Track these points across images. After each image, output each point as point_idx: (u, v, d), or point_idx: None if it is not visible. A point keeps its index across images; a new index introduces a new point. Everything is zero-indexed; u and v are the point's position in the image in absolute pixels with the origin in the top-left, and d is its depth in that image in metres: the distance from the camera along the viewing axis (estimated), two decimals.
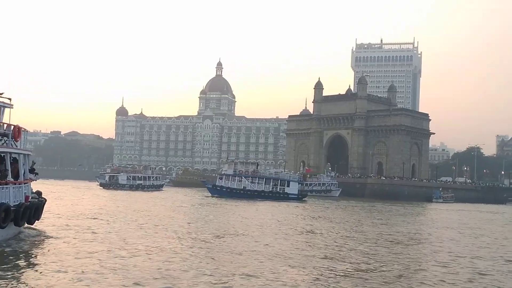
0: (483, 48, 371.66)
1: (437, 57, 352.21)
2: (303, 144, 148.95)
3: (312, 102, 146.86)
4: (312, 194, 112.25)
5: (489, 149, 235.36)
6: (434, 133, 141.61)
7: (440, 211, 72.90)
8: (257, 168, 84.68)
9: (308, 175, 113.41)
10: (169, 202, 63.10)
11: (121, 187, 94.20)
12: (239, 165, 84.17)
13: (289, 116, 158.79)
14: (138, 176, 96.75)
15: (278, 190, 79.55)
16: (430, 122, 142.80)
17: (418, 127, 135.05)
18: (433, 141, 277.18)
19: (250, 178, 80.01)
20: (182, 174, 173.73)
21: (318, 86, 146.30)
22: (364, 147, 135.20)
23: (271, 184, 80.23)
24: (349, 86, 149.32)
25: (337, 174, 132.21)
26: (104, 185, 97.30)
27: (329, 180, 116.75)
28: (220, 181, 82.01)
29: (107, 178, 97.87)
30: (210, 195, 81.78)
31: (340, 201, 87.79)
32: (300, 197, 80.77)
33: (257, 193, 78.04)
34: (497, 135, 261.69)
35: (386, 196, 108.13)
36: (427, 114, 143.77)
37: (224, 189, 79.75)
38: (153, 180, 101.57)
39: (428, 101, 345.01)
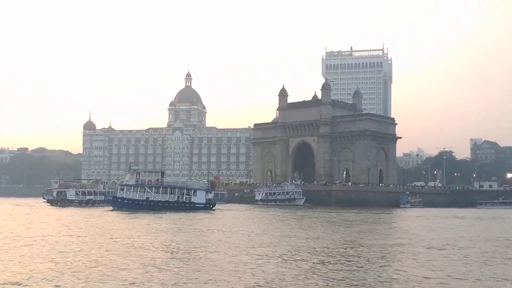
0: (455, 52, 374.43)
1: (408, 63, 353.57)
2: (270, 152, 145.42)
3: (277, 109, 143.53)
4: (276, 203, 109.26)
5: (464, 153, 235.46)
6: (400, 137, 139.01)
7: (400, 217, 69.69)
8: (162, 177, 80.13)
9: (217, 183, 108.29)
10: (65, 219, 56.31)
11: (70, 203, 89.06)
12: (142, 174, 79.27)
13: (254, 124, 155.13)
14: (87, 191, 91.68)
15: (184, 200, 74.68)
16: (396, 126, 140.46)
17: (384, 131, 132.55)
18: (410, 147, 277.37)
19: (153, 188, 74.86)
20: None
21: (283, 93, 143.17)
22: (331, 154, 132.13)
23: (177, 193, 75.39)
24: (315, 92, 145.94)
25: (302, 182, 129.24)
26: (51, 202, 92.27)
27: (293, 188, 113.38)
28: (122, 192, 75.31)
29: (54, 194, 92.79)
30: (112, 208, 75.22)
31: (286, 210, 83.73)
32: (208, 207, 75.88)
33: (161, 204, 72.73)
34: (471, 138, 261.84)
35: (352, 203, 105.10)
36: (393, 119, 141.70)
37: (126, 201, 73.70)
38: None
39: (400, 107, 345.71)
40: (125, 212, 65.72)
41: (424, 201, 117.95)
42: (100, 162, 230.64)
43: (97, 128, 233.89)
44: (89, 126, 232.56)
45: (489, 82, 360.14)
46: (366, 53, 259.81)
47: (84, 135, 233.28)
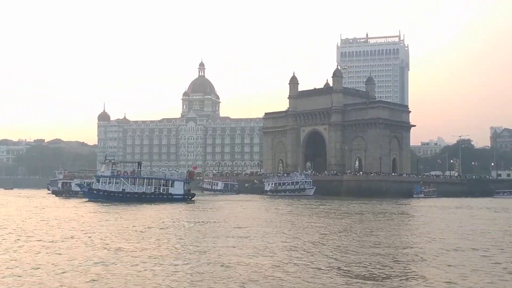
0: (474, 38, 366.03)
1: (426, 49, 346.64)
2: (280, 142, 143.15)
3: (288, 97, 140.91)
4: (286, 194, 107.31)
5: (484, 142, 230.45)
6: (414, 125, 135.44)
7: (410, 208, 67.07)
8: (139, 168, 77.93)
9: (195, 173, 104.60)
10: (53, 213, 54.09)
11: (74, 194, 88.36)
12: (119, 165, 77.27)
13: (265, 113, 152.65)
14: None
15: (161, 191, 72.80)
16: (413, 114, 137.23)
17: (397, 119, 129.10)
18: (430, 136, 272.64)
19: (130, 180, 73.02)
20: None
21: (293, 81, 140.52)
22: (342, 142, 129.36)
23: (154, 185, 73.38)
24: (327, 80, 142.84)
25: (313, 172, 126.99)
26: (56, 193, 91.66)
27: (303, 178, 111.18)
28: (97, 184, 73.36)
29: (59, 185, 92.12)
30: (87, 199, 74.11)
31: (288, 201, 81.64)
32: (186, 198, 73.74)
33: (137, 196, 70.89)
34: (491, 126, 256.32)
35: (363, 193, 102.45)
36: (407, 106, 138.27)
37: (101, 193, 71.73)
38: None
39: (419, 95, 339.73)
40: (100, 204, 64.19)
41: (439, 191, 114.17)
42: (115, 153, 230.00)
43: (111, 119, 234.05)
44: (103, 117, 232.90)
45: (510, 68, 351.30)
46: (382, 40, 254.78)
47: (98, 126, 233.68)
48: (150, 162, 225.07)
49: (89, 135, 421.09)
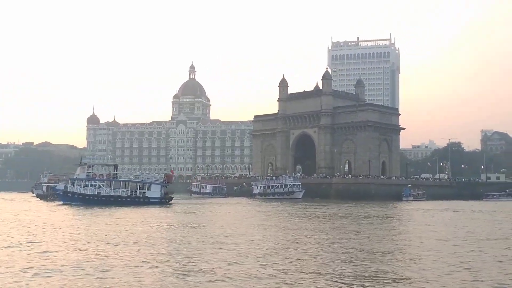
0: (465, 42, 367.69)
1: (417, 53, 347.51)
2: (270, 145, 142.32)
3: (277, 100, 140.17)
4: (274, 197, 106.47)
5: (475, 145, 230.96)
6: (404, 128, 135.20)
7: (395, 211, 66.29)
8: (115, 170, 76.34)
9: (173, 176, 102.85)
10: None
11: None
12: (94, 168, 75.66)
13: (254, 116, 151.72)
14: None
15: (138, 194, 71.53)
16: (404, 117, 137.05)
17: (386, 122, 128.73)
18: (421, 139, 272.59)
19: (105, 183, 71.73)
20: None
21: (283, 84, 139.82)
22: (332, 145, 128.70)
23: (130, 188, 72.21)
24: (317, 83, 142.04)
25: (302, 175, 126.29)
26: (41, 196, 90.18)
27: (292, 181, 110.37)
28: (72, 186, 71.91)
29: (44, 188, 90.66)
30: (62, 202, 72.75)
31: (282, 203, 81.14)
32: (163, 201, 72.54)
33: (113, 199, 69.62)
34: (482, 129, 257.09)
35: (352, 196, 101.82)
36: (397, 109, 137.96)
37: (76, 196, 70.34)
38: None
39: (410, 99, 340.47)
40: (72, 208, 63.01)
41: (428, 194, 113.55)
42: (104, 156, 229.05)
43: (101, 122, 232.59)
44: (93, 120, 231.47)
45: (501, 72, 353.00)
46: (373, 43, 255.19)
47: (88, 129, 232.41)
48: (140, 165, 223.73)
49: (79, 138, 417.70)
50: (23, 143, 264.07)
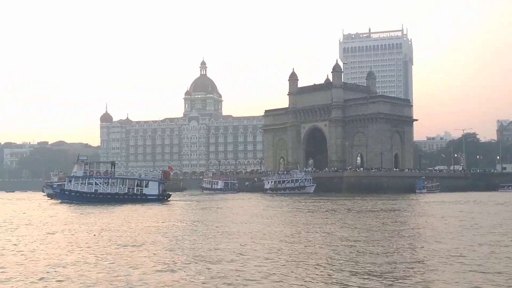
0: (478, 30, 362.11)
1: (430, 43, 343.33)
2: (281, 139, 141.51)
3: (288, 94, 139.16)
4: (286, 192, 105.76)
5: (491, 135, 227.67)
6: (416, 120, 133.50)
7: (405, 206, 64.91)
8: (113, 168, 75.98)
9: (171, 173, 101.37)
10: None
11: None
12: (91, 165, 74.44)
13: (265, 111, 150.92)
14: None
15: (135, 191, 70.87)
16: (417, 109, 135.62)
17: (398, 114, 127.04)
18: (437, 130, 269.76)
19: (102, 180, 71.02)
20: None
21: (293, 78, 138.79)
22: (343, 138, 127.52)
23: (127, 185, 71.24)
24: (327, 76, 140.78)
25: (314, 169, 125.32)
26: (51, 196, 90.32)
27: (303, 176, 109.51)
28: (69, 184, 71.39)
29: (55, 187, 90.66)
30: (60, 200, 72.73)
31: (293, 198, 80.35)
32: (161, 198, 71.67)
33: (110, 196, 68.63)
34: (498, 120, 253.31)
35: (364, 190, 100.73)
36: (408, 100, 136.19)
37: (73, 193, 69.89)
38: None
39: (424, 90, 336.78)
40: (68, 205, 62.78)
41: (442, 186, 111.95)
42: (118, 153, 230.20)
43: (114, 120, 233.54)
44: (106, 118, 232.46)
45: None
46: (384, 35, 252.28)
47: (101, 127, 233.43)
48: (153, 162, 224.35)
49: (92, 137, 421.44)
50: (38, 143, 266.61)
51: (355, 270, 18.22)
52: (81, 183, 70.16)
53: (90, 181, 70.04)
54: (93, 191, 69.60)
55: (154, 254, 22.53)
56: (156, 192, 71.51)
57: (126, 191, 70.10)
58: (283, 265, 19.34)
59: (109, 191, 69.79)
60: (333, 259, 20.53)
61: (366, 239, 26.77)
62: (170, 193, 76.44)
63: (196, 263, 20.15)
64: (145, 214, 47.14)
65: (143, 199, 69.61)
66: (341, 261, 20.06)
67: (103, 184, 70.32)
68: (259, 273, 17.88)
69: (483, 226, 33.58)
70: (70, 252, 23.39)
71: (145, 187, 71.24)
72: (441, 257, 20.85)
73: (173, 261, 20.62)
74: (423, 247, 23.92)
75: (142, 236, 29.06)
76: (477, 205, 58.63)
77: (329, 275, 17.57)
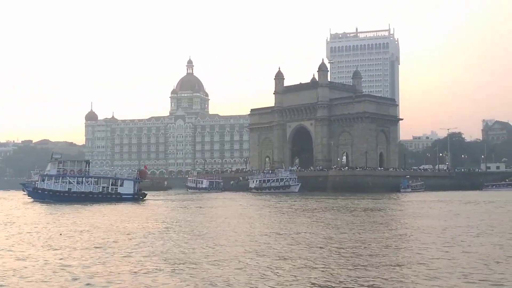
0: (465, 31, 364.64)
1: (416, 43, 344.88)
2: (267, 138, 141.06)
3: (274, 93, 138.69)
4: (270, 191, 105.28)
5: (476, 135, 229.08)
6: (402, 119, 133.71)
7: (384, 204, 64.62)
8: (87, 166, 74.43)
9: (148, 172, 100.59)
10: None
11: None
12: (65, 164, 72.61)
13: (251, 109, 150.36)
14: None
15: (110, 190, 70.02)
16: (402, 108, 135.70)
17: (384, 113, 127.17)
18: (424, 130, 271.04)
19: (76, 178, 69.85)
20: None
21: (279, 76, 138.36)
22: (328, 137, 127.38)
23: (101, 184, 70.51)
24: (313, 75, 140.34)
25: (299, 168, 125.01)
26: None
27: (288, 175, 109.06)
28: (42, 183, 70.41)
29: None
30: (32, 199, 71.88)
31: (275, 197, 79.74)
32: (136, 197, 70.81)
33: (84, 195, 67.77)
34: (483, 119, 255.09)
35: (349, 189, 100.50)
36: (394, 100, 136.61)
37: (46, 192, 68.77)
38: None
39: (410, 90, 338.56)
40: (40, 205, 61.62)
41: (427, 185, 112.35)
42: (103, 152, 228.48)
43: (99, 118, 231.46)
44: (91, 117, 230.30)
45: (502, 61, 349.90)
46: (371, 34, 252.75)
47: (86, 126, 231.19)
48: (139, 161, 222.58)
49: (77, 135, 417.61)
50: (22, 141, 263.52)
51: (317, 266, 17.62)
52: (55, 182, 68.88)
53: (64, 180, 68.80)
54: (67, 190, 68.36)
55: (113, 254, 21.81)
56: (131, 191, 70.54)
57: (100, 190, 69.13)
58: (256, 266, 18.70)
59: (83, 190, 68.69)
60: (307, 260, 19.93)
61: (333, 237, 26.22)
62: (146, 192, 75.34)
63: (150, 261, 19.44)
64: (116, 214, 46.26)
65: (117, 198, 68.55)
66: (312, 262, 19.47)
67: (77, 183, 69.14)
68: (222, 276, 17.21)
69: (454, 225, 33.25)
70: (32, 251, 22.57)
71: (120, 186, 70.25)
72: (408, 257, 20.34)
73: (131, 262, 19.91)
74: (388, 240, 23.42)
75: (107, 236, 28.28)
76: (457, 204, 58.52)
77: (309, 277, 16.95)
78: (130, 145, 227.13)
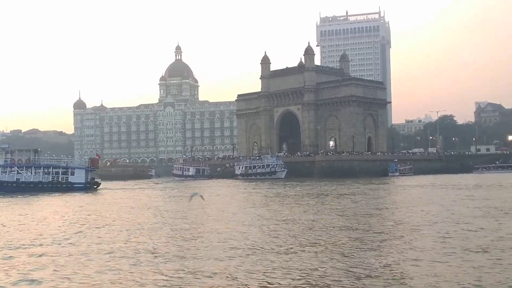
0: (456, 12, 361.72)
1: (407, 25, 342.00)
2: (254, 124, 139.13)
3: (260, 78, 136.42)
4: (256, 177, 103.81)
5: (469, 117, 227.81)
6: (390, 102, 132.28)
7: (366, 191, 63.09)
8: (36, 155, 71.72)
9: (99, 161, 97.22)
10: None
11: None
12: (14, 153, 70.03)
13: (238, 95, 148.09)
14: None
15: (60, 179, 68.37)
16: (392, 91, 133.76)
17: (371, 97, 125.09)
18: (417, 113, 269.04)
19: (25, 168, 68.17)
20: (109, 166, 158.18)
21: (265, 61, 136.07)
22: (316, 122, 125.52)
23: (51, 173, 68.64)
24: (301, 59, 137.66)
25: (286, 153, 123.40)
26: None
27: (274, 161, 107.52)
28: None
29: None
30: None
31: (259, 184, 78.14)
32: (88, 187, 69.27)
33: (33, 185, 66.10)
34: (476, 102, 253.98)
35: (336, 174, 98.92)
36: (382, 83, 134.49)
37: None
38: None
39: (402, 73, 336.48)
40: None
41: (416, 168, 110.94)
42: (93, 141, 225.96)
43: (88, 107, 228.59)
44: (79, 105, 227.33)
45: (494, 43, 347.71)
46: (362, 17, 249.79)
47: (74, 114, 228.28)
48: (129, 149, 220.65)
49: (67, 124, 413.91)
50: (11, 131, 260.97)
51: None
52: (2, 172, 66.78)
53: (12, 170, 66.80)
54: (15, 180, 66.45)
55: (51, 245, 20.05)
56: (82, 180, 68.89)
57: (50, 180, 67.37)
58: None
59: (32, 180, 66.92)
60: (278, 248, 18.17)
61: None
62: (99, 181, 73.70)
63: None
64: (61, 205, 44.24)
65: (68, 187, 66.91)
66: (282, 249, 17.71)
67: (26, 173, 67.37)
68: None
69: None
70: None
71: (71, 175, 68.58)
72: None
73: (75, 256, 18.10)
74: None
75: (43, 230, 26.45)
76: (436, 189, 56.96)
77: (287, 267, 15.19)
78: (119, 133, 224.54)
